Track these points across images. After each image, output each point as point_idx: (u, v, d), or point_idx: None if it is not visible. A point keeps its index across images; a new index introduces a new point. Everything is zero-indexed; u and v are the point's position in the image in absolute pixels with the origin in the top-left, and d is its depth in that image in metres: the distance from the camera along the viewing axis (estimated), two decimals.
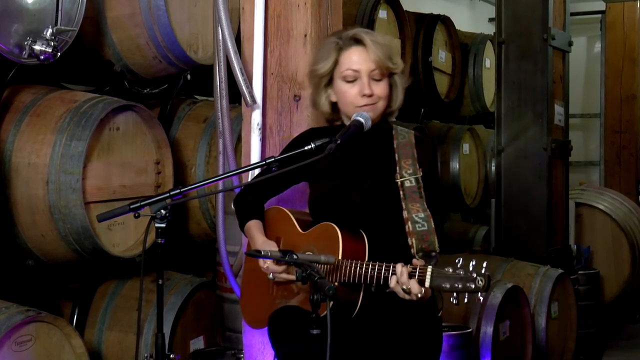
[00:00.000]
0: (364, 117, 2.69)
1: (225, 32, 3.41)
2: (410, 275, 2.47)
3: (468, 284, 2.39)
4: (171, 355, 2.78)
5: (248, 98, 3.38)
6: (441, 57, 6.74)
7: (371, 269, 2.55)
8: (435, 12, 6.77)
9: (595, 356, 6.24)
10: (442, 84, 6.80)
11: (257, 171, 2.97)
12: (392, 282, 2.50)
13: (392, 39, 2.70)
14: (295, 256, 2.55)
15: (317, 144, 2.64)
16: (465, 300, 2.41)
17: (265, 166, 2.74)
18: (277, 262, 2.69)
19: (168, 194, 2.67)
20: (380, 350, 2.68)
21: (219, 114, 3.54)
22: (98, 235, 3.78)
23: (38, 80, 4.04)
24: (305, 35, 3.40)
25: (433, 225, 2.61)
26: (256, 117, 3.44)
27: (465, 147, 7.13)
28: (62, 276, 4.16)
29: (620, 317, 7.19)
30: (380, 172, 2.76)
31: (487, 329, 4.49)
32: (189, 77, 4.54)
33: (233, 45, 3.40)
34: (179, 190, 2.68)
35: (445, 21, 6.84)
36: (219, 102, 3.53)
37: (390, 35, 5.57)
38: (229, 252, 3.68)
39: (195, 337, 4.30)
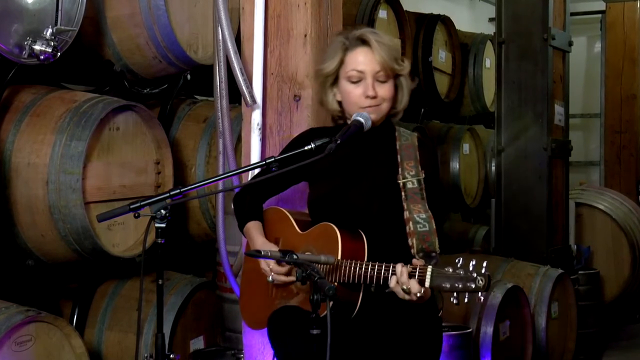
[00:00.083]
0: (364, 117, 2.69)
1: (225, 32, 3.41)
2: (410, 275, 2.47)
3: (468, 284, 2.39)
4: (171, 355, 2.78)
5: (248, 98, 3.38)
6: (441, 57, 6.74)
7: (371, 269, 2.55)
8: (435, 12, 6.77)
9: (595, 356, 6.23)
10: (442, 84, 6.80)
11: (257, 171, 2.97)
12: (392, 282, 2.50)
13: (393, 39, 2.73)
14: (295, 256, 2.55)
15: (317, 144, 2.64)
16: (466, 300, 2.41)
17: (265, 166, 2.74)
18: (277, 262, 2.69)
19: (168, 194, 2.66)
20: (380, 351, 2.68)
21: (219, 114, 3.54)
22: (98, 235, 3.78)
23: (38, 80, 4.04)
24: (305, 35, 3.39)
25: (434, 226, 2.61)
26: (256, 117, 3.44)
27: (465, 147, 7.13)
28: (62, 276, 4.15)
29: (620, 317, 7.18)
30: (381, 173, 2.76)
31: (487, 329, 4.49)
32: (189, 77, 4.54)
33: (233, 45, 3.40)
34: (179, 190, 2.68)
35: (446, 21, 6.84)
36: (219, 102, 3.53)
37: (390, 35, 5.58)
38: (229, 252, 3.68)
39: (195, 337, 4.29)
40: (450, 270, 2.42)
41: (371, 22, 5.52)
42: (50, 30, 3.59)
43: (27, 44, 3.53)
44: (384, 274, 2.53)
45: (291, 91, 3.43)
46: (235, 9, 4.09)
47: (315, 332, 2.43)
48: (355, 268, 2.57)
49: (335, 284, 2.58)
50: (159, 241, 2.68)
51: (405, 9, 6.04)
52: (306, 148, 2.66)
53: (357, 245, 2.65)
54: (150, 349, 3.96)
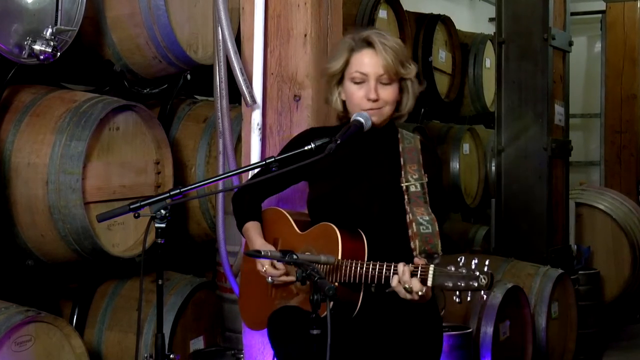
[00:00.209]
0: (364, 117, 2.68)
1: (225, 32, 3.41)
2: (412, 274, 2.47)
3: (471, 282, 2.39)
4: (171, 356, 2.78)
5: (248, 98, 3.38)
6: (441, 57, 6.74)
7: (372, 268, 2.55)
8: (435, 12, 6.78)
9: (595, 356, 6.23)
10: (442, 84, 6.80)
11: (257, 171, 2.96)
12: (394, 281, 2.50)
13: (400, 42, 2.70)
14: (295, 256, 2.55)
15: (317, 143, 2.64)
16: (468, 298, 2.41)
17: (265, 166, 2.73)
18: (277, 262, 2.68)
19: (168, 194, 2.66)
20: (381, 351, 2.68)
21: (219, 114, 3.54)
22: (98, 236, 3.77)
23: (38, 80, 4.04)
24: (305, 35, 3.39)
25: (437, 229, 2.60)
26: (256, 117, 3.44)
27: (466, 147, 7.13)
28: (62, 276, 4.15)
29: (620, 318, 7.18)
30: (382, 175, 2.75)
31: (487, 329, 4.49)
32: (188, 77, 4.54)
33: (233, 45, 3.40)
34: (179, 190, 2.68)
35: (446, 21, 6.84)
36: (219, 102, 3.53)
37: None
38: (229, 252, 3.68)
39: (195, 337, 4.29)
40: (453, 268, 2.42)
41: (371, 22, 5.51)
42: (50, 30, 3.59)
43: (27, 43, 3.53)
44: (386, 273, 2.53)
45: (291, 91, 3.43)
46: (235, 9, 4.09)
47: (315, 332, 2.43)
48: (356, 268, 2.57)
49: (336, 284, 2.58)
50: (159, 241, 2.68)
51: (405, 9, 6.04)
52: (306, 148, 2.65)
53: (357, 245, 2.64)
54: (150, 349, 3.96)
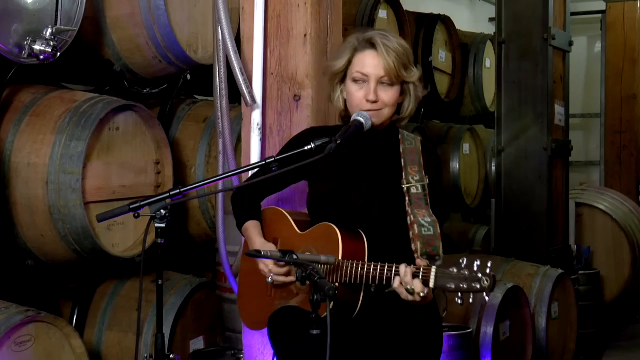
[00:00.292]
0: (364, 117, 2.68)
1: (225, 32, 3.40)
2: (414, 276, 2.46)
3: (473, 284, 2.39)
4: (171, 356, 2.78)
5: (248, 98, 3.38)
6: (441, 57, 6.74)
7: (373, 269, 2.55)
8: (435, 12, 6.77)
9: (595, 356, 6.23)
10: (442, 83, 6.80)
11: (256, 171, 2.96)
12: (396, 282, 2.49)
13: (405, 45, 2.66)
14: (295, 256, 2.54)
15: (317, 143, 2.64)
16: (471, 300, 2.41)
17: (265, 166, 2.73)
18: (277, 262, 2.68)
19: (168, 194, 2.66)
20: (381, 351, 2.68)
21: (219, 114, 3.54)
22: (98, 236, 3.77)
23: (38, 80, 4.04)
24: (305, 35, 3.39)
25: (439, 231, 2.60)
26: (256, 117, 3.43)
27: (466, 147, 7.13)
28: (61, 276, 4.15)
29: (620, 318, 7.18)
30: (383, 176, 2.75)
31: (488, 329, 4.49)
32: (188, 77, 4.54)
33: (233, 45, 3.39)
34: (178, 190, 2.68)
35: (446, 21, 6.84)
36: (219, 102, 3.53)
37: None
38: (228, 252, 3.68)
39: (195, 337, 4.29)
40: (455, 270, 2.42)
41: (371, 22, 5.51)
42: (50, 30, 3.58)
43: (26, 43, 3.53)
44: (387, 274, 2.52)
45: (291, 91, 3.43)
46: (235, 9, 4.09)
47: (315, 332, 2.43)
48: (357, 268, 2.57)
49: (336, 284, 2.57)
50: (159, 241, 2.68)
51: (405, 8, 6.04)
52: (306, 148, 2.65)
53: (358, 246, 2.64)
54: (150, 349, 3.96)
